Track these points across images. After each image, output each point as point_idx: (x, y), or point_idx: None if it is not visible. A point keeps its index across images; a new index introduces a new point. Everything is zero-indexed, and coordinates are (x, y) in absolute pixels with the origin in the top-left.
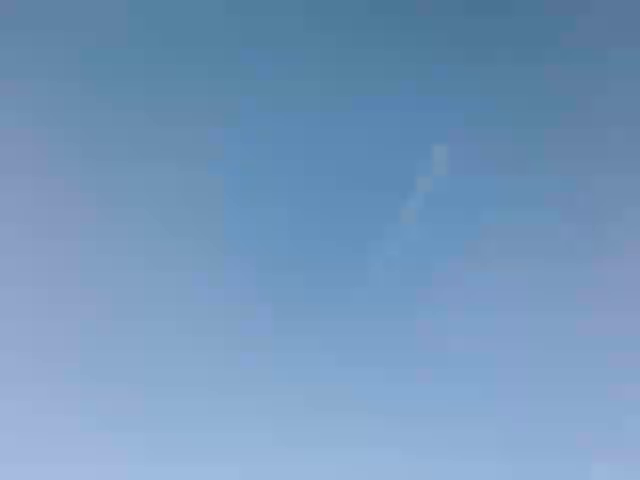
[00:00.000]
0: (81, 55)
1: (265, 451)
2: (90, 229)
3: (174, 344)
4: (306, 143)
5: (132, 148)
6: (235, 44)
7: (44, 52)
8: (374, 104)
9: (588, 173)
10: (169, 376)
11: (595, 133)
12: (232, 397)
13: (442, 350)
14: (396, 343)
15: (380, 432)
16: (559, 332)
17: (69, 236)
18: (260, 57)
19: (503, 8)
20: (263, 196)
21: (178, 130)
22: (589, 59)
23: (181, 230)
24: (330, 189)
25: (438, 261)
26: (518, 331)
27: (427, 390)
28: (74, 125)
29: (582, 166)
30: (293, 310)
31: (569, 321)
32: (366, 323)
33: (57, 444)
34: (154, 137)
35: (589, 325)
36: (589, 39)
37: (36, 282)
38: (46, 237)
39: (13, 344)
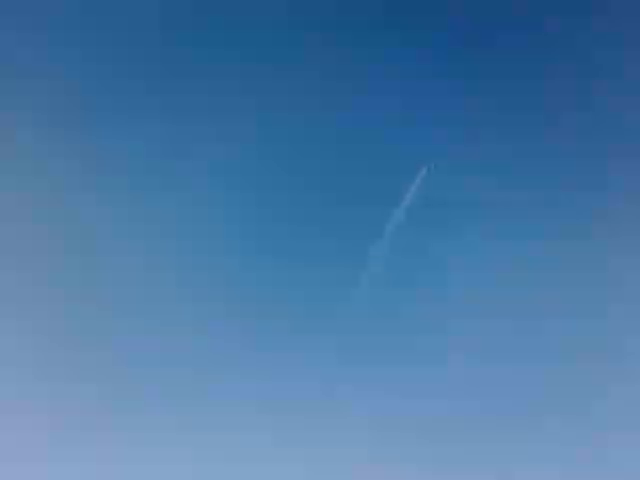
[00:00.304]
0: (81, 55)
1: (265, 451)
2: (89, 229)
3: (174, 344)
4: (306, 142)
5: (131, 147)
6: (235, 44)
7: (44, 52)
8: (374, 104)
9: (588, 173)
10: (169, 376)
11: (596, 133)
12: (232, 397)
13: (442, 350)
14: (396, 343)
15: (380, 432)
16: (559, 333)
17: (68, 235)
18: (260, 57)
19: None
20: (262, 203)
21: (178, 129)
22: (590, 58)
23: (181, 230)
24: (330, 188)
25: (437, 263)
26: (518, 333)
27: (427, 389)
28: (74, 125)
29: (582, 167)
30: (292, 311)
31: (569, 323)
32: (365, 323)
33: (57, 444)
34: (155, 137)
35: (590, 328)
36: (590, 39)
37: (35, 281)
38: (45, 237)
39: (13, 343)
